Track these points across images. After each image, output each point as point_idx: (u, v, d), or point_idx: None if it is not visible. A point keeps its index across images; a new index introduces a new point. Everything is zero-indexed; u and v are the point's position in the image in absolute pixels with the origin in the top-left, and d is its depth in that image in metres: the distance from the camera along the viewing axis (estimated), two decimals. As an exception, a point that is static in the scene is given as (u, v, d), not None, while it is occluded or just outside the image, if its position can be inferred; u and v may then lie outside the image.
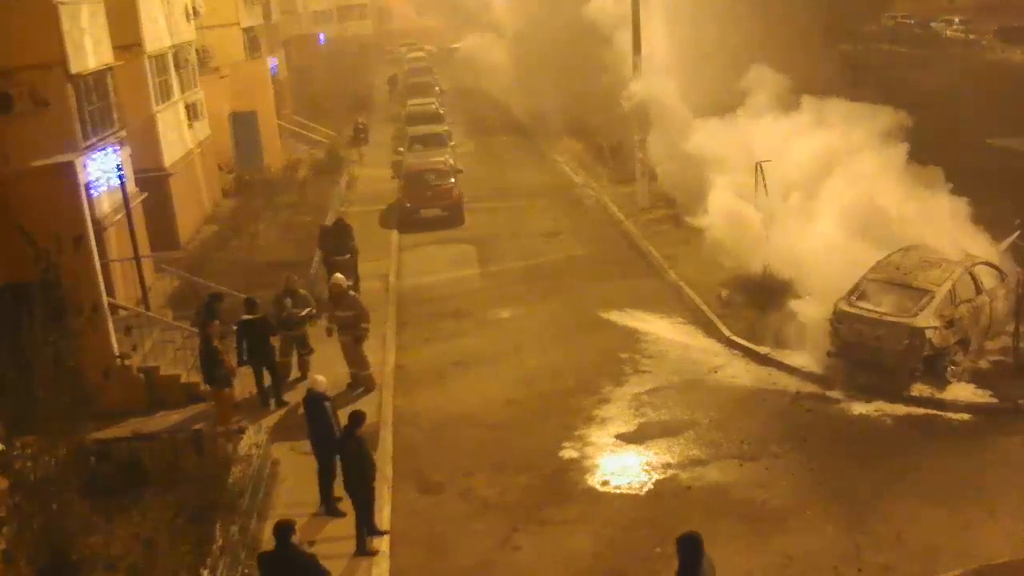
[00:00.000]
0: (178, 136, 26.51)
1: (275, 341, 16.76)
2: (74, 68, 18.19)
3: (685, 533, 8.90)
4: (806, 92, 21.68)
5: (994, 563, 10.93)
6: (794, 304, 17.27)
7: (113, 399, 15.05)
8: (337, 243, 21.69)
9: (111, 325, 16.10)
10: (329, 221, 23.95)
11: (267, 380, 16.58)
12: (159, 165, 24.43)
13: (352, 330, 16.88)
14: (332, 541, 12.45)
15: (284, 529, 10.20)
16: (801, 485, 13.25)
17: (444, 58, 69.29)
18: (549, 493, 13.53)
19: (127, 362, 16.01)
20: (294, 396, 16.27)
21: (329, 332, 17.23)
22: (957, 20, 58.78)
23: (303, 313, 17.25)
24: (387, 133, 43.20)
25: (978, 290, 16.27)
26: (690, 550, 8.78)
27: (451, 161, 30.61)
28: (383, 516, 13.01)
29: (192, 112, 28.04)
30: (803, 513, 12.59)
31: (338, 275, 18.10)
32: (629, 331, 19.01)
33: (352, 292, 17.68)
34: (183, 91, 27.56)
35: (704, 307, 19.36)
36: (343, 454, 12.36)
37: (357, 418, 12.37)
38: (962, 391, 15.34)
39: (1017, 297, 15.94)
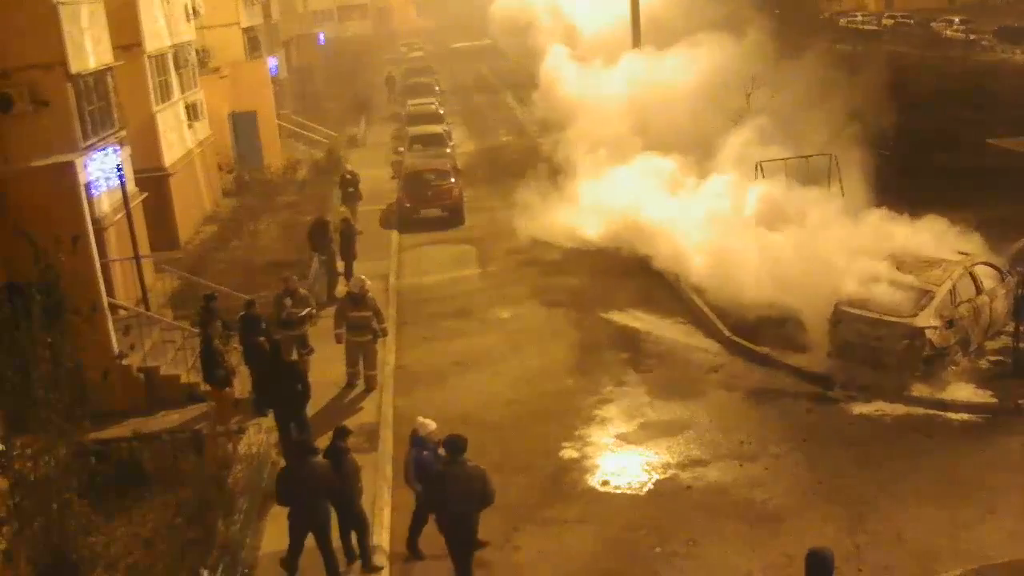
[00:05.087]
0: (178, 136, 26.52)
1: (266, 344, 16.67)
2: (74, 68, 18.17)
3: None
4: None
5: (994, 563, 10.96)
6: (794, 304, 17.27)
7: (113, 399, 15.09)
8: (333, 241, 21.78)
9: (111, 325, 16.11)
10: (337, 217, 23.95)
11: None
12: (159, 165, 24.47)
13: (370, 330, 16.79)
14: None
15: (276, 347, 14.41)
16: (801, 485, 13.24)
17: (445, 58, 69.32)
18: (549, 493, 13.52)
19: (124, 361, 16.00)
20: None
21: (338, 339, 17.05)
22: (957, 20, 58.73)
23: (303, 313, 17.21)
24: (387, 133, 43.19)
25: (978, 290, 16.28)
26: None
27: (451, 161, 30.58)
28: (384, 515, 13.00)
29: (192, 112, 28.05)
30: (803, 513, 12.58)
31: (360, 276, 17.97)
32: (629, 331, 19.00)
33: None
34: (183, 91, 27.57)
35: (704, 307, 19.35)
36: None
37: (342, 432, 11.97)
38: (962, 391, 15.32)
39: (1016, 297, 15.93)
